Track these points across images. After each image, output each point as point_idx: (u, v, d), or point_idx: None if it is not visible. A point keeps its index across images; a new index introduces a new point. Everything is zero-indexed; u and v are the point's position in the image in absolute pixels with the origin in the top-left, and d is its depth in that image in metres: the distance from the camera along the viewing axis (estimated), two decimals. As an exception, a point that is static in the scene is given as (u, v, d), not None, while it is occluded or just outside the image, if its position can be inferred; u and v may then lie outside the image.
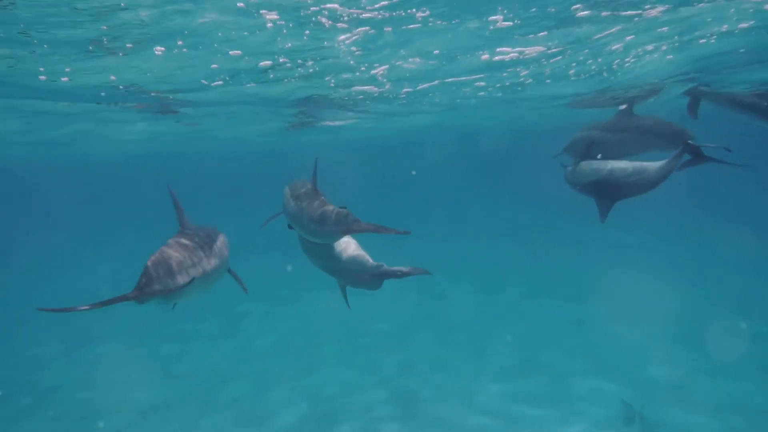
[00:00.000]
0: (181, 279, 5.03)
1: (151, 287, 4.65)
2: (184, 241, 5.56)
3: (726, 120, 9.94)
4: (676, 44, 9.53)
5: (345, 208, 5.59)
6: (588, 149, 8.25)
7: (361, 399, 11.44)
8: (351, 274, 6.56)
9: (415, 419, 10.55)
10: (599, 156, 8.10)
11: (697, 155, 7.21)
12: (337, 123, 19.16)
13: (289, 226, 6.57)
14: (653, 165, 7.29)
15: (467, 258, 23.37)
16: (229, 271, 6.25)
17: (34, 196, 56.52)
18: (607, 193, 7.65)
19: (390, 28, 8.15)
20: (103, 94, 11.63)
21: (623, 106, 9.35)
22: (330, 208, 5.69)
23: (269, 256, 20.98)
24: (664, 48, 9.77)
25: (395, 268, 6.37)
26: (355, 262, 6.49)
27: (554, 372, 12.18)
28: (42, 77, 9.92)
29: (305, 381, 12.40)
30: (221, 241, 6.14)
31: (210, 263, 5.68)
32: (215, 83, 11.24)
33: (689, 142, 7.25)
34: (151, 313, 14.27)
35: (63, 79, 10.04)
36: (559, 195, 11.71)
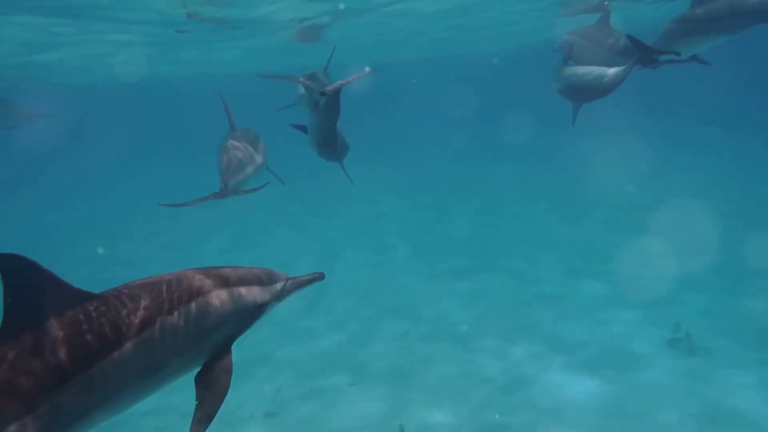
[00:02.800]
0: (246, 174, 6.73)
1: (230, 184, 6.34)
2: (239, 142, 7.06)
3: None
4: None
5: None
6: (568, 53, 8.72)
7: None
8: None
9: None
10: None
11: (648, 60, 7.47)
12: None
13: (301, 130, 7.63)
14: (611, 70, 7.71)
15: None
16: (268, 168, 7.53)
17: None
18: (576, 96, 8.21)
19: None
20: None
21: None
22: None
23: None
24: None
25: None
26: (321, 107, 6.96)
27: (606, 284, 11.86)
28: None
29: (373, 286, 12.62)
30: (262, 141, 7.55)
31: (259, 159, 7.18)
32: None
33: (641, 49, 7.38)
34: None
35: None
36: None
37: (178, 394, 8.45)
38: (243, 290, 3.28)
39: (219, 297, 3.14)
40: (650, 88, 24.41)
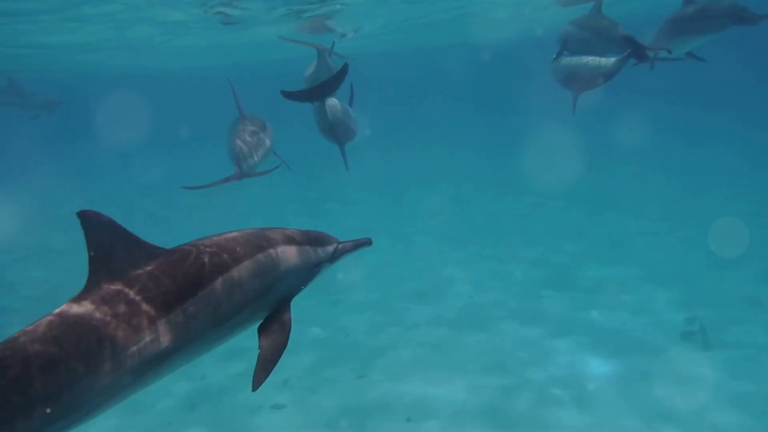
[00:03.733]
0: (257, 157, 7.20)
1: (244, 167, 6.86)
2: (250, 128, 7.57)
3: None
4: None
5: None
6: (564, 44, 8.72)
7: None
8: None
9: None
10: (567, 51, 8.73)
11: (642, 57, 7.72)
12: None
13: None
14: (607, 60, 7.90)
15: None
16: (274, 152, 7.89)
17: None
18: (574, 85, 8.32)
19: None
20: None
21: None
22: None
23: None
24: None
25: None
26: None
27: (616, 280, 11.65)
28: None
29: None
30: (269, 127, 7.97)
31: (267, 144, 7.58)
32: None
33: (635, 46, 7.66)
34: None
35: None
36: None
37: (186, 384, 8.56)
38: (303, 248, 3.49)
39: (282, 253, 3.33)
40: (670, 82, 24.12)
